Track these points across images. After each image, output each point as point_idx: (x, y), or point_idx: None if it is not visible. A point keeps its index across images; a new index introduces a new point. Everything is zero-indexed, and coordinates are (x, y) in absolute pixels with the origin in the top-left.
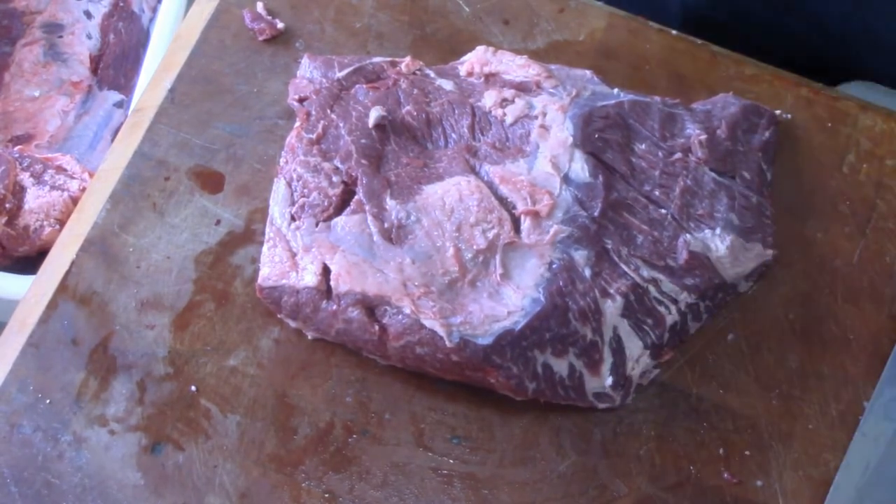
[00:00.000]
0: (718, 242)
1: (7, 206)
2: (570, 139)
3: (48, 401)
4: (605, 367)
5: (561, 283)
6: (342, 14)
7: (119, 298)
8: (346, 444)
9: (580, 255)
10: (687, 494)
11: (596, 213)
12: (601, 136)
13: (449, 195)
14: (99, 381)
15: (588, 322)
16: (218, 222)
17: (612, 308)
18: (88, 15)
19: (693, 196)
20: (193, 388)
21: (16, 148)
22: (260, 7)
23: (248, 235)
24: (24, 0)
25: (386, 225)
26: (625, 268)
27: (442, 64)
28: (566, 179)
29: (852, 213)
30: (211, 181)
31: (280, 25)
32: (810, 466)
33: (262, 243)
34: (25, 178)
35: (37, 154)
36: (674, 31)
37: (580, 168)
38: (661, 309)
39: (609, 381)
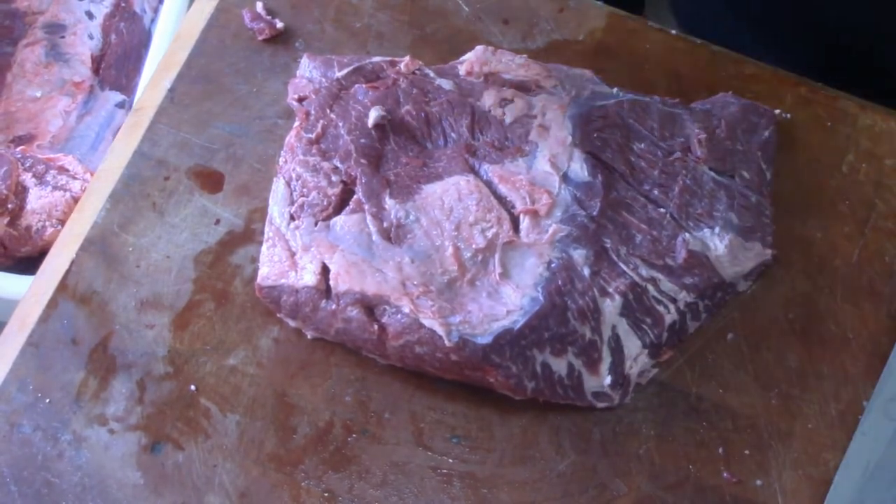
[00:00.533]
0: (717, 241)
1: (9, 206)
2: (570, 138)
3: (48, 400)
4: (604, 366)
5: (560, 283)
6: (342, 14)
7: (119, 298)
8: (345, 444)
9: (579, 255)
10: (686, 494)
11: (595, 213)
12: (600, 136)
13: (448, 194)
14: (99, 380)
15: (587, 321)
16: (217, 222)
17: (610, 307)
18: (90, 15)
19: (692, 195)
20: (193, 387)
21: (18, 148)
22: (259, 7)
23: (248, 235)
24: (25, 0)
25: (385, 224)
26: (624, 267)
27: (441, 64)
28: (565, 179)
29: (851, 212)
30: (210, 181)
31: (280, 25)
32: (810, 466)
33: (261, 243)
34: (28, 179)
35: (39, 154)
36: (673, 31)
37: (579, 167)
38: (660, 308)
39: (608, 380)
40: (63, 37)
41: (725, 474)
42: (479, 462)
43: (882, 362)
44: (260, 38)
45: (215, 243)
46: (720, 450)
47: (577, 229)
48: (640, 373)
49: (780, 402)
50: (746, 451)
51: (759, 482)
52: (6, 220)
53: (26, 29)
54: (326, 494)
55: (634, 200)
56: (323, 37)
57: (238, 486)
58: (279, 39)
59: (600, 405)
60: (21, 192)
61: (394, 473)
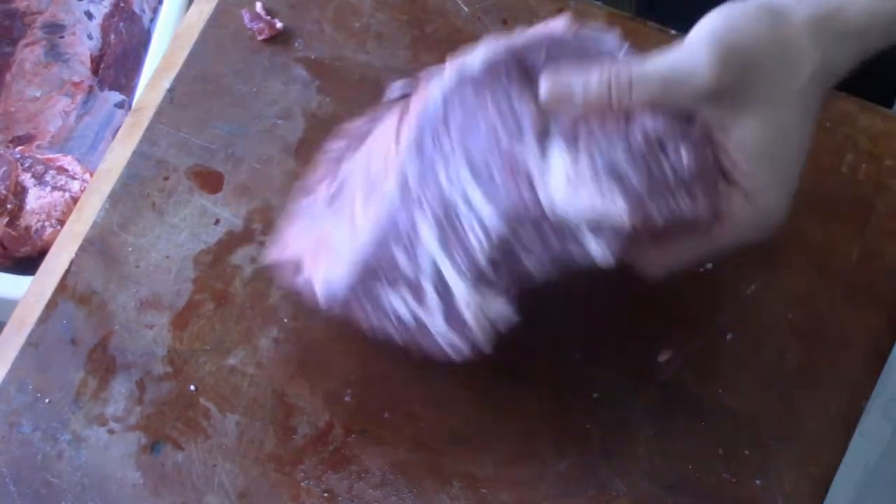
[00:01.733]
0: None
1: (8, 206)
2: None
3: (47, 400)
4: (432, 302)
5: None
6: (341, 14)
7: (118, 298)
8: (344, 444)
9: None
10: (686, 494)
11: None
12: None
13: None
14: (98, 380)
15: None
16: (217, 222)
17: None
18: (89, 15)
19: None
20: (192, 387)
21: (17, 148)
22: (259, 7)
23: (247, 235)
24: (25, 0)
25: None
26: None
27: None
28: None
29: (851, 212)
30: (210, 181)
31: (279, 25)
32: (810, 466)
33: (260, 243)
34: (27, 179)
35: (38, 154)
36: (672, 31)
37: None
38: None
39: (440, 322)
40: (62, 37)
41: (725, 474)
42: (479, 462)
43: (882, 362)
44: (259, 38)
45: (215, 243)
46: (720, 450)
47: None
48: (486, 317)
49: (780, 402)
50: (746, 451)
51: (758, 482)
52: (5, 220)
53: (26, 29)
54: (326, 494)
55: None
56: (322, 37)
57: (238, 486)
58: (278, 39)
59: (453, 355)
60: (20, 192)
61: (393, 473)
